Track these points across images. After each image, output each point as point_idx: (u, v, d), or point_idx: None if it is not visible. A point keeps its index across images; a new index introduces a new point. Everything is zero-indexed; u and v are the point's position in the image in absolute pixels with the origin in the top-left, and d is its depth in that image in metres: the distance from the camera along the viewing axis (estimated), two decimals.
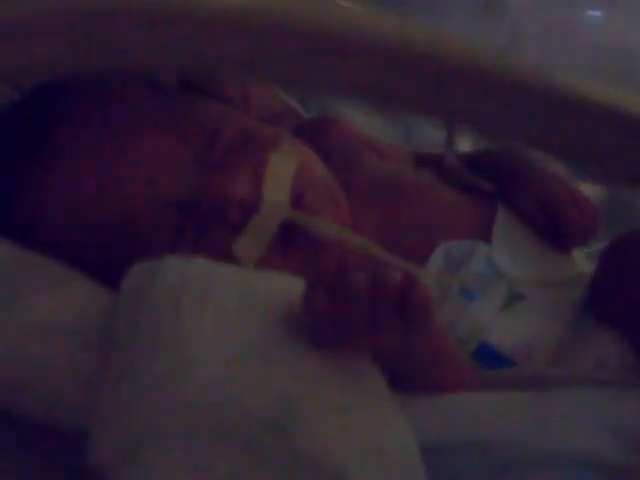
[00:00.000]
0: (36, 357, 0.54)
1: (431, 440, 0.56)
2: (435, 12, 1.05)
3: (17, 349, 0.54)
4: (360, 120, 0.98)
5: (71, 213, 0.63)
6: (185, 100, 0.68)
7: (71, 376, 0.54)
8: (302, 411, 0.49)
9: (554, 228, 0.74)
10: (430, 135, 1.06)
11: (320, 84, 0.32)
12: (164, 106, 0.67)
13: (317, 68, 0.30)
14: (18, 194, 0.64)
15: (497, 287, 0.68)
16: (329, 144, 0.74)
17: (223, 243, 0.63)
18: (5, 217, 0.64)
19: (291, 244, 0.64)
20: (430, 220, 0.72)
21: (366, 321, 0.51)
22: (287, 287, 0.56)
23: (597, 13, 1.13)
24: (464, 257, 0.68)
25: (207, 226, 0.63)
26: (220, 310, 0.52)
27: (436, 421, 0.57)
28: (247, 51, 0.28)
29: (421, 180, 0.77)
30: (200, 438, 0.47)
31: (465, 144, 1.04)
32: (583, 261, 0.78)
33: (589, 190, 0.78)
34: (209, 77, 0.73)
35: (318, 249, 0.65)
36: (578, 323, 0.69)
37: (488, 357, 0.66)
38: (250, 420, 0.48)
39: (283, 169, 0.66)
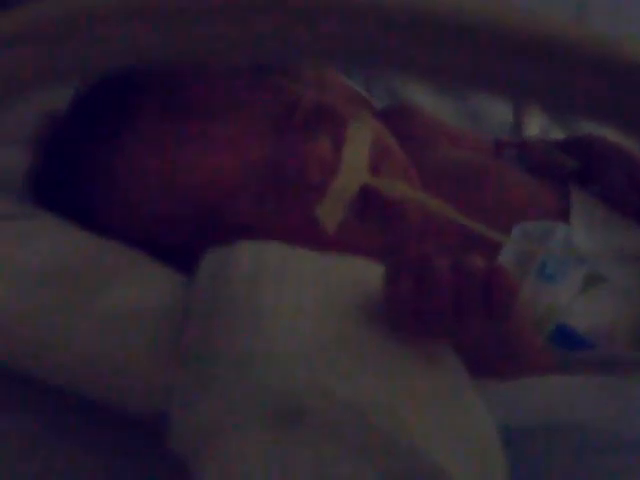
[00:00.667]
0: (116, 345, 0.54)
1: (512, 426, 0.54)
2: None
3: (101, 337, 0.55)
4: (431, 105, 0.98)
5: (157, 184, 0.63)
6: (263, 79, 0.69)
7: (151, 361, 0.54)
8: (386, 399, 0.48)
9: None
10: (498, 118, 1.04)
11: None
12: (244, 84, 0.67)
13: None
14: (103, 176, 0.64)
15: (577, 268, 0.66)
16: (402, 131, 0.73)
17: (304, 207, 0.63)
18: (84, 203, 0.64)
19: (370, 210, 0.64)
20: (504, 203, 0.71)
21: (450, 310, 0.49)
22: (363, 273, 0.55)
23: None
24: (542, 237, 0.67)
25: (288, 190, 0.63)
26: (298, 294, 0.51)
27: (514, 406, 0.56)
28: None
29: (494, 165, 0.77)
30: (281, 424, 0.47)
31: (533, 127, 1.02)
32: None
33: None
34: (286, 64, 0.73)
35: (397, 214, 0.64)
36: None
37: (566, 339, 0.65)
38: (333, 406, 0.47)
39: (361, 137, 0.65)
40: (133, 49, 0.30)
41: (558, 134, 1.01)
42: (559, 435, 0.55)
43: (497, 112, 1.04)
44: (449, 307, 0.49)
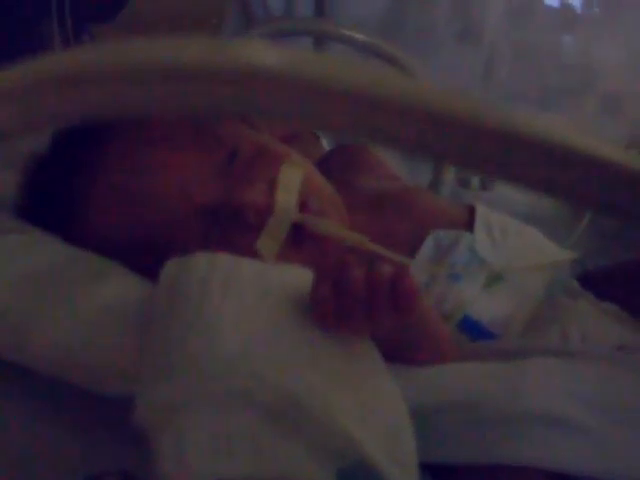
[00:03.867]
0: (94, 336, 0.62)
1: (421, 404, 0.63)
2: (424, 39, 1.10)
3: (81, 328, 0.62)
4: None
5: (115, 220, 0.72)
6: (208, 126, 0.76)
7: (121, 355, 0.62)
8: (313, 383, 0.55)
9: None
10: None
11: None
12: (190, 127, 0.75)
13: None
14: (65, 202, 0.73)
15: (480, 269, 0.75)
16: (344, 164, 0.81)
17: (245, 243, 0.71)
18: (63, 222, 0.73)
19: (301, 241, 0.72)
20: (421, 217, 0.81)
21: (363, 309, 0.57)
22: (298, 277, 0.63)
23: (565, 35, 1.17)
24: (451, 244, 0.76)
25: (230, 229, 0.72)
26: (241, 296, 0.59)
27: (425, 387, 0.64)
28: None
29: (411, 190, 0.87)
30: (226, 406, 0.54)
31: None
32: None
33: None
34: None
35: (322, 245, 0.73)
36: (549, 301, 0.76)
37: (470, 328, 0.74)
38: (269, 390, 0.54)
39: (292, 178, 0.74)
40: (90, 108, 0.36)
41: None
42: (465, 410, 0.63)
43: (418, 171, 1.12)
44: (362, 305, 0.57)
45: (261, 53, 0.33)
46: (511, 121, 0.32)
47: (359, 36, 1.02)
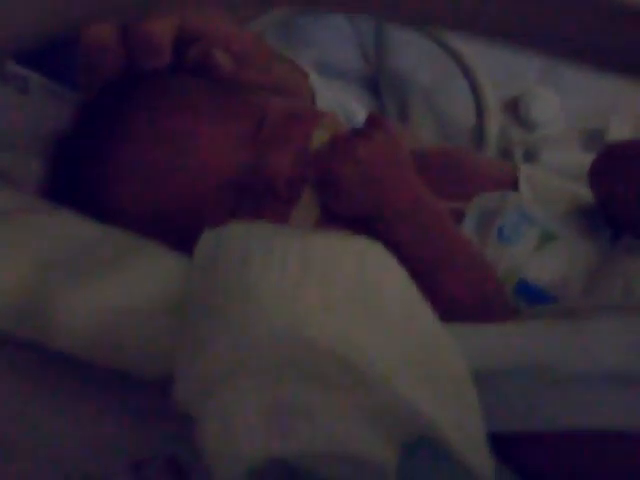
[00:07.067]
0: (125, 329, 0.56)
1: (484, 366, 0.56)
2: None
3: (106, 324, 0.56)
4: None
5: (141, 193, 0.66)
6: (233, 88, 0.71)
7: (160, 334, 0.56)
8: (369, 349, 0.50)
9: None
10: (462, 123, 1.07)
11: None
12: (215, 92, 0.70)
13: None
14: (92, 178, 0.68)
15: (530, 229, 0.69)
16: None
17: (278, 215, 0.65)
18: (92, 199, 0.67)
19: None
20: (466, 176, 0.75)
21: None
22: (342, 245, 0.57)
23: None
24: (497, 206, 0.70)
25: (261, 200, 0.66)
26: (283, 264, 0.54)
27: (487, 347, 0.57)
28: None
29: (454, 149, 0.84)
30: (274, 377, 0.49)
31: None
32: None
33: None
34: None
35: None
36: (608, 254, 0.70)
37: (527, 292, 0.68)
38: (315, 354, 0.49)
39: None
40: None
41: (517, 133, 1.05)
42: (530, 373, 0.56)
43: (460, 116, 1.06)
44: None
45: None
46: None
47: None
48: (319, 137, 0.67)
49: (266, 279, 0.52)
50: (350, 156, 0.62)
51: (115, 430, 0.57)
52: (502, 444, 0.56)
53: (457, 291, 0.61)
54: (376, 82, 1.11)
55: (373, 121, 0.66)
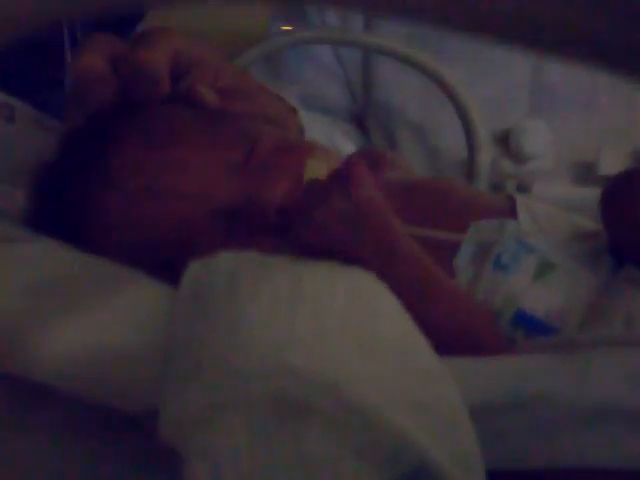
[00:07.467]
0: (111, 347, 0.54)
1: (476, 400, 0.54)
2: (471, 45, 1.03)
3: (88, 358, 0.53)
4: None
5: (130, 222, 0.64)
6: (222, 118, 0.70)
7: (146, 362, 0.53)
8: (361, 379, 0.48)
9: None
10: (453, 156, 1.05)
11: None
12: (206, 123, 0.68)
13: None
14: (77, 206, 0.66)
15: (528, 257, 0.67)
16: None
17: (269, 248, 0.63)
18: (77, 227, 0.65)
19: None
20: (457, 206, 0.73)
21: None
22: (334, 275, 0.55)
23: None
24: (495, 232, 0.68)
25: (252, 232, 0.64)
26: (272, 294, 0.52)
27: (480, 382, 0.55)
28: None
29: (443, 180, 0.82)
30: (261, 405, 0.46)
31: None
32: None
33: None
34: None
35: None
36: (608, 286, 0.68)
37: (526, 322, 0.65)
38: (306, 385, 0.47)
39: (319, 174, 0.65)
40: None
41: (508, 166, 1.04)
42: (528, 409, 0.54)
43: (451, 150, 1.05)
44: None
45: None
46: None
47: (399, 48, 0.97)
48: (313, 167, 0.65)
49: (254, 308, 0.50)
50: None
51: (112, 472, 0.54)
52: None
53: (441, 323, 0.59)
54: (363, 118, 1.10)
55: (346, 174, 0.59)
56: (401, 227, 0.61)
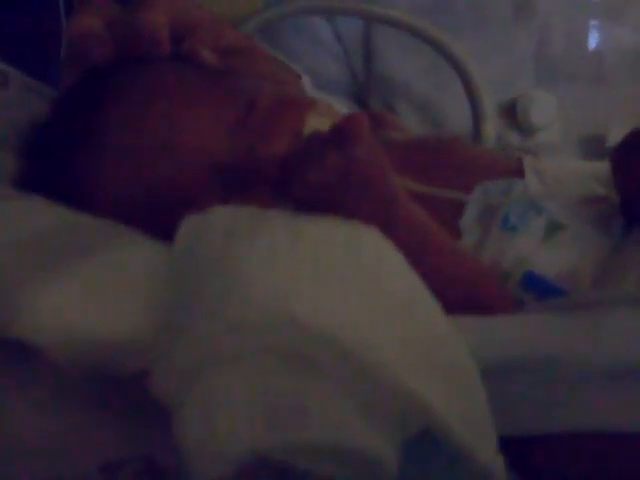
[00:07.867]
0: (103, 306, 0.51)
1: (488, 363, 0.51)
2: (475, 18, 1.02)
3: (78, 317, 0.51)
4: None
5: (125, 179, 0.62)
6: (223, 74, 0.68)
7: (141, 321, 0.51)
8: (365, 332, 0.46)
9: None
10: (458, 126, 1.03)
11: None
12: (205, 79, 0.66)
13: None
14: (72, 164, 0.64)
15: (537, 218, 0.65)
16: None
17: (268, 203, 0.61)
18: (69, 186, 0.63)
19: None
20: (463, 165, 0.70)
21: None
22: (336, 229, 0.53)
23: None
24: (502, 193, 0.66)
25: (252, 187, 0.61)
26: (271, 243, 0.49)
27: (491, 344, 0.53)
28: None
29: (449, 139, 0.78)
30: (260, 358, 0.44)
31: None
32: None
33: None
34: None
35: None
36: (619, 247, 0.65)
37: (535, 285, 0.63)
38: (303, 332, 0.44)
39: (320, 129, 0.63)
40: None
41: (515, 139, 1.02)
42: (540, 370, 0.52)
43: (456, 122, 1.02)
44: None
45: None
46: None
47: (404, 17, 0.95)
48: (313, 122, 0.63)
49: (252, 260, 0.48)
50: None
51: (96, 428, 0.52)
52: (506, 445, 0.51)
53: (442, 284, 0.56)
54: (363, 95, 1.08)
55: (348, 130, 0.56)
56: (401, 185, 0.59)
